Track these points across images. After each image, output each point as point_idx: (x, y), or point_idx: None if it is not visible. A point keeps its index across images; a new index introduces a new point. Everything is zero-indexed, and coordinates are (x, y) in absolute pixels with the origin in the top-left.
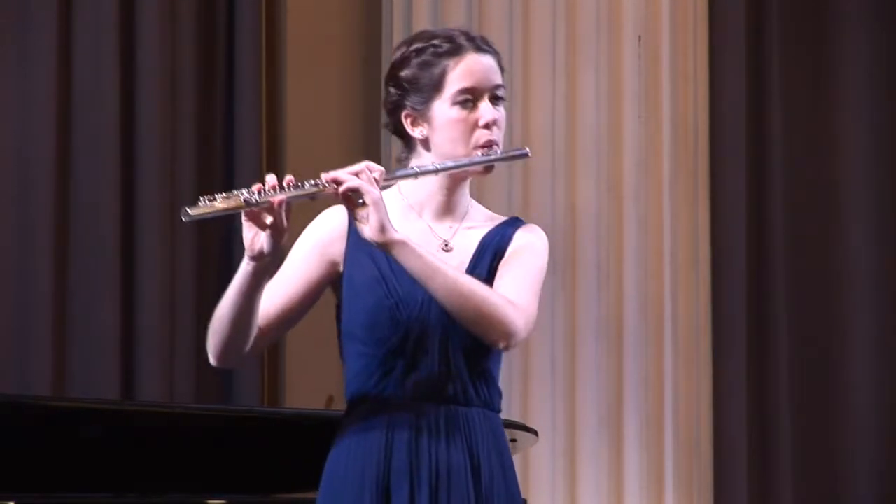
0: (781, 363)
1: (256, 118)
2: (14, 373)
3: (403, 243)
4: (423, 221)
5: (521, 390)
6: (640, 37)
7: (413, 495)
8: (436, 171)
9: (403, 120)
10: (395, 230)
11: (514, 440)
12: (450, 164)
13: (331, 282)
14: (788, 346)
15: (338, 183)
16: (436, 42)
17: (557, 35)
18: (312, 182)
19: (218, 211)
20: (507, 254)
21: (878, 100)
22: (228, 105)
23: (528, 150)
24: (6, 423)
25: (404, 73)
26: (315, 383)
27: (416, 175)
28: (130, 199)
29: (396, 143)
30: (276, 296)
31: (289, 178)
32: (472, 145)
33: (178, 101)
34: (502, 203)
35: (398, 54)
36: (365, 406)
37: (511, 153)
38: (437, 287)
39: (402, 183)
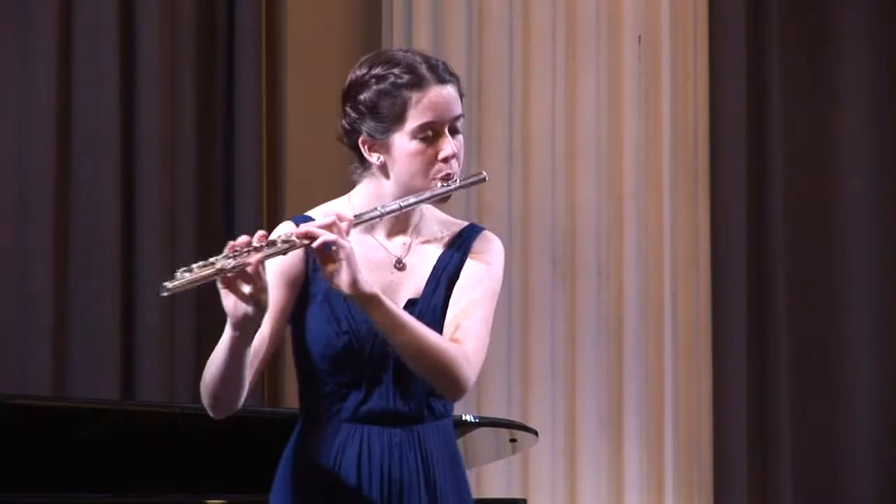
0: (781, 363)
1: (256, 118)
2: (14, 373)
3: (373, 297)
4: (374, 238)
5: (521, 390)
6: (640, 37)
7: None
8: (400, 210)
9: (360, 144)
10: (367, 283)
11: (514, 440)
12: (412, 199)
13: (296, 300)
14: (788, 346)
15: (310, 238)
16: (397, 71)
17: (557, 35)
18: (284, 238)
19: (195, 281)
20: (460, 279)
21: (877, 100)
22: (228, 105)
23: (484, 174)
24: (6, 423)
25: (363, 96)
26: None
27: (381, 216)
28: (130, 199)
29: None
30: (261, 333)
31: (260, 233)
32: (430, 177)
33: (178, 101)
34: (502, 203)
35: (357, 74)
36: (317, 426)
37: (469, 180)
38: (398, 342)
39: (353, 199)
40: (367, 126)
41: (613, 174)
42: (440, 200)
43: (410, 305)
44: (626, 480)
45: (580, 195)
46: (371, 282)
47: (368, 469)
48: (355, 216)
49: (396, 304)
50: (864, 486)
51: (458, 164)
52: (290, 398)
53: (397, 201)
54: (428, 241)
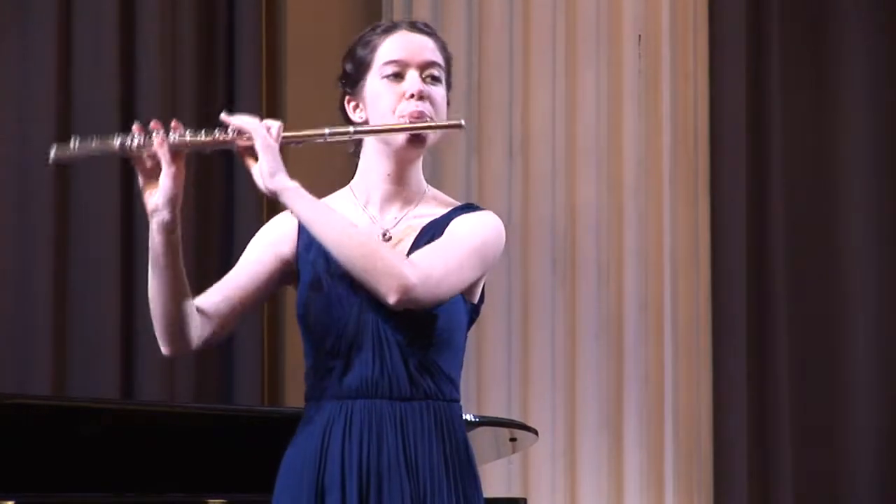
0: (781, 363)
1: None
2: (14, 373)
3: (294, 189)
4: (366, 214)
5: (521, 390)
6: (640, 37)
7: (344, 496)
8: (349, 134)
9: (347, 106)
10: (286, 177)
11: (514, 440)
12: (368, 127)
13: (284, 281)
14: (788, 346)
15: (226, 126)
16: (375, 26)
17: (557, 35)
18: (205, 130)
19: (86, 151)
20: (444, 231)
21: (877, 99)
22: (228, 105)
23: (462, 121)
24: (6, 423)
25: (347, 64)
26: None
27: (326, 138)
28: (130, 199)
29: None
30: (225, 286)
31: (173, 123)
32: (398, 115)
33: (178, 100)
34: (502, 202)
35: (346, 50)
36: (310, 405)
37: (441, 123)
38: (325, 234)
39: (353, 183)
40: (348, 85)
41: (613, 173)
42: (413, 142)
43: None
44: (626, 480)
45: (580, 194)
46: (288, 178)
47: (349, 446)
48: (291, 133)
49: None
50: (864, 486)
51: (437, 113)
52: (290, 398)
53: (349, 126)
54: (421, 216)
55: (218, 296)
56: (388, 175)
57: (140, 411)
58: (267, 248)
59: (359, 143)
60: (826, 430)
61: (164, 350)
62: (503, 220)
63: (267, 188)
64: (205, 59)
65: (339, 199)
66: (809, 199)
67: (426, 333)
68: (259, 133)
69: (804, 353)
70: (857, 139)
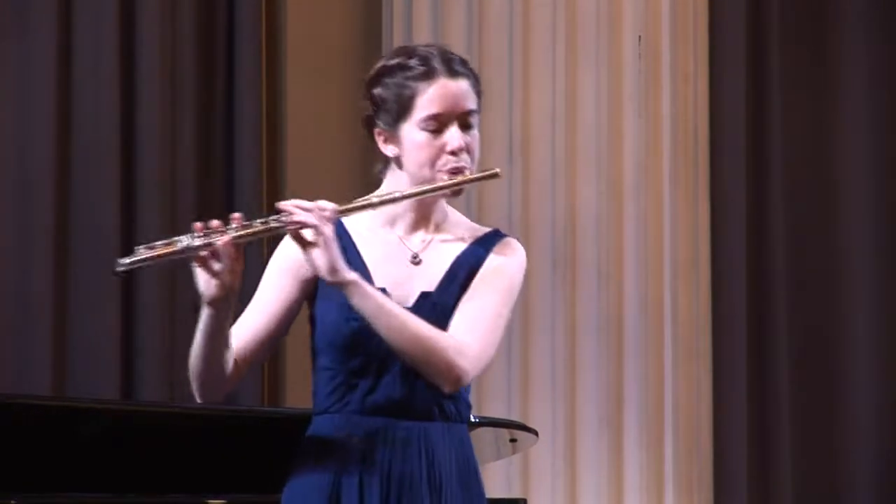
0: (781, 363)
1: (256, 119)
2: (14, 373)
3: (354, 283)
4: (394, 233)
5: (521, 390)
6: (640, 37)
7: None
8: (395, 200)
9: (376, 137)
10: (346, 269)
11: (514, 440)
12: (411, 191)
13: (306, 298)
14: (788, 346)
15: (288, 216)
16: (410, 64)
17: (557, 35)
18: (261, 220)
19: (155, 258)
20: (475, 279)
21: (877, 100)
22: (228, 105)
23: (497, 170)
24: (6, 423)
25: (376, 90)
26: None
27: (373, 206)
28: (130, 199)
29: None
30: (252, 325)
31: (236, 215)
32: (437, 170)
33: (178, 101)
34: (502, 203)
35: (374, 69)
36: (326, 420)
37: (480, 175)
38: (384, 327)
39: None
40: (380, 118)
41: (613, 174)
42: (452, 194)
43: (423, 298)
44: (626, 480)
45: (580, 195)
46: (349, 269)
47: (371, 463)
48: (342, 207)
49: (410, 296)
50: (864, 486)
51: (472, 160)
52: (290, 398)
53: (394, 192)
54: (448, 241)
55: (249, 341)
56: (420, 205)
57: (140, 411)
58: (286, 274)
59: (387, 164)
60: (826, 430)
61: (199, 400)
62: (503, 221)
63: (327, 280)
64: (205, 59)
65: (360, 214)
66: (809, 199)
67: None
68: (319, 228)
69: (804, 353)
70: (857, 139)
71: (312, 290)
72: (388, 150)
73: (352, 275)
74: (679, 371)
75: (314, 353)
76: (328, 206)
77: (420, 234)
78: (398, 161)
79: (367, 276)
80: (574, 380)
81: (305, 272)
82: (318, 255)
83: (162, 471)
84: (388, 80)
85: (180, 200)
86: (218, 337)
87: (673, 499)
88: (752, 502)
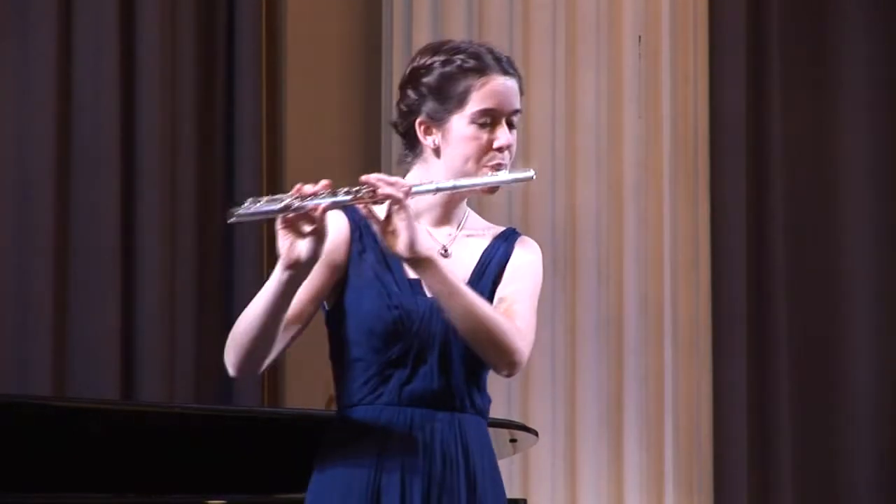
0: (781, 363)
1: (256, 118)
2: (14, 373)
3: (431, 261)
4: (422, 225)
5: (521, 390)
6: (640, 37)
7: (404, 501)
8: (453, 189)
9: (417, 126)
10: (424, 245)
11: (514, 440)
12: (466, 182)
13: (333, 286)
14: (788, 346)
15: (374, 191)
16: (463, 56)
17: (557, 35)
18: (346, 189)
19: (261, 214)
20: (506, 271)
21: (877, 100)
22: (228, 105)
23: (533, 172)
24: (6, 423)
25: (427, 79)
26: (315, 383)
27: (434, 191)
28: (130, 199)
29: (396, 144)
30: (291, 308)
31: (324, 182)
32: (482, 164)
33: (178, 101)
34: (502, 203)
35: (422, 60)
36: (359, 412)
37: (518, 176)
38: (453, 308)
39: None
40: (427, 107)
41: (613, 174)
42: (489, 191)
43: None
44: (626, 481)
45: (580, 195)
46: (429, 245)
47: (411, 457)
48: (415, 189)
49: None
50: (864, 486)
51: (511, 157)
52: (291, 398)
53: (452, 180)
54: (472, 236)
55: (288, 320)
56: (448, 201)
57: (140, 412)
58: (319, 265)
59: (416, 154)
60: (826, 430)
61: (232, 373)
62: (503, 221)
63: (406, 257)
64: (205, 58)
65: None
66: (809, 199)
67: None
68: (403, 202)
69: (804, 353)
70: (857, 139)
71: (341, 281)
72: (429, 140)
73: (430, 251)
74: (679, 371)
75: (342, 347)
76: (406, 182)
77: (446, 229)
78: (437, 152)
79: (399, 266)
80: (574, 380)
81: (336, 259)
82: (399, 229)
83: (162, 471)
84: (439, 71)
85: (180, 200)
86: (284, 304)
87: (673, 499)
88: (752, 502)
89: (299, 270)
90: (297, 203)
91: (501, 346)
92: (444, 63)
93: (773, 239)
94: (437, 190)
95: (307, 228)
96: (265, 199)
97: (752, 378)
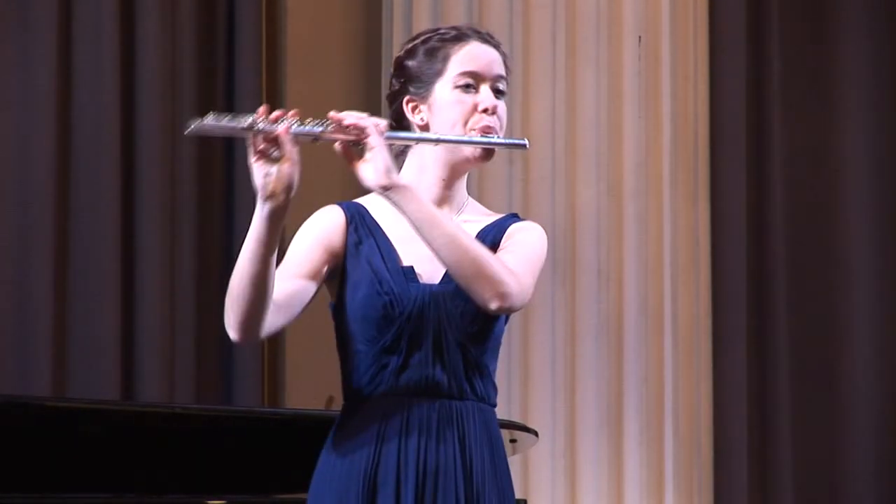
0: (781, 363)
1: None
2: (14, 373)
3: (406, 188)
4: None
5: (521, 390)
6: (640, 37)
7: (399, 493)
8: (436, 142)
9: (404, 106)
10: (398, 176)
11: (514, 440)
12: (451, 136)
13: (331, 275)
14: (788, 345)
15: (341, 123)
16: (442, 31)
17: (557, 35)
18: (315, 121)
19: (222, 129)
20: (502, 243)
21: (877, 100)
22: (228, 104)
23: (526, 141)
24: (6, 423)
25: (409, 62)
26: (315, 383)
27: (416, 141)
28: (130, 199)
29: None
30: (286, 275)
31: (292, 112)
32: (469, 128)
33: (178, 100)
34: (503, 202)
35: (405, 48)
36: (358, 403)
37: (510, 141)
38: (435, 237)
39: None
40: (412, 86)
41: (613, 174)
42: (482, 157)
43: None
44: (626, 480)
45: (580, 195)
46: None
47: (407, 443)
48: (395, 135)
49: (437, 272)
50: (864, 486)
51: (500, 125)
52: (291, 398)
53: (436, 134)
54: (470, 221)
55: (290, 285)
56: (443, 180)
57: (140, 412)
58: (318, 246)
59: (408, 126)
60: (826, 430)
61: (234, 336)
62: None
63: (380, 184)
64: (205, 59)
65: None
66: (809, 199)
67: (483, 336)
68: (371, 130)
69: (804, 353)
70: (857, 139)
71: (337, 272)
72: (417, 117)
73: (403, 180)
74: (679, 371)
75: (345, 340)
76: (381, 121)
77: (444, 211)
78: (426, 128)
79: (393, 254)
80: (574, 380)
81: (333, 241)
82: (371, 157)
83: (162, 471)
84: (421, 49)
85: (180, 200)
86: (271, 242)
87: (673, 499)
88: (752, 502)
89: (279, 201)
90: (262, 124)
91: (488, 275)
92: (424, 41)
93: (773, 239)
94: (419, 140)
95: (275, 153)
96: (229, 115)
97: (752, 378)
